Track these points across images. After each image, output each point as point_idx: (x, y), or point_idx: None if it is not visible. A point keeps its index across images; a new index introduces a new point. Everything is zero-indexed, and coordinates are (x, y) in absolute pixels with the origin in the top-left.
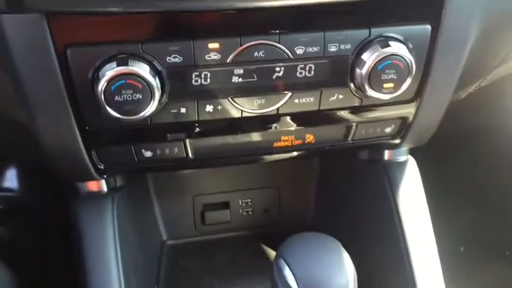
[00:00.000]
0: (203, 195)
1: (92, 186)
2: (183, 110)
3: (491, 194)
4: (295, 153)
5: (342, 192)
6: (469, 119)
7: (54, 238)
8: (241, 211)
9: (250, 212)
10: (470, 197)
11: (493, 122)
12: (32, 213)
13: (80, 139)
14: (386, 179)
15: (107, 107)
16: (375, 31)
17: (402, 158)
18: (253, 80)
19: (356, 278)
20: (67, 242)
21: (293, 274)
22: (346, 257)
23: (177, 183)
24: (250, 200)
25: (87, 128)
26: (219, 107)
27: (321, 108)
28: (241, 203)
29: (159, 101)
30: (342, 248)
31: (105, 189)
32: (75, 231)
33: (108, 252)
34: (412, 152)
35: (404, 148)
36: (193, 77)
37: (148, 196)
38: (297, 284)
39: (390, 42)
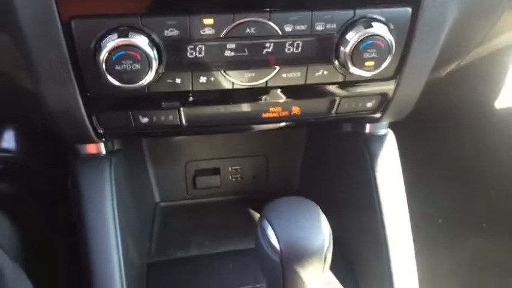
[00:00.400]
0: (195, 162)
1: (91, 148)
2: (178, 81)
3: (469, 169)
4: (282, 124)
5: (325, 162)
6: (449, 98)
7: (54, 200)
8: (230, 177)
9: (239, 179)
10: (448, 171)
11: (472, 100)
12: (32, 174)
13: (81, 105)
14: (367, 150)
15: (108, 76)
16: (359, 12)
17: (382, 132)
18: (245, 54)
19: (332, 238)
20: (66, 204)
21: (275, 233)
22: (324, 219)
23: (171, 149)
24: (239, 167)
25: (88, 94)
26: (212, 79)
27: (307, 82)
28: (231, 169)
29: (156, 71)
30: (321, 212)
31: (103, 152)
32: (75, 190)
33: (106, 211)
34: (395, 127)
35: (385, 122)
36: (189, 50)
37: (143, 161)
38: (278, 242)
39: (373, 23)
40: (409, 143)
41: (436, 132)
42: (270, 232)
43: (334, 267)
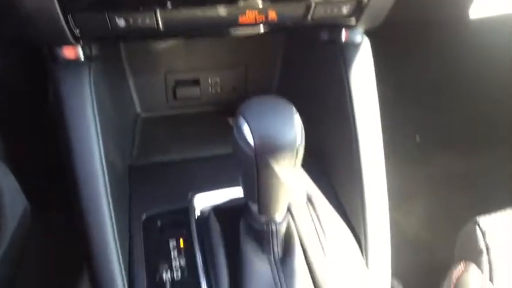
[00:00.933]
0: (175, 72)
1: (69, 53)
2: None
3: (447, 83)
4: (260, 29)
5: (303, 72)
6: (426, 10)
7: (37, 114)
8: (210, 89)
9: (219, 90)
10: (426, 86)
11: (448, 12)
12: (13, 92)
13: (56, 4)
14: (342, 58)
15: None
16: None
17: (358, 39)
18: None
19: (304, 135)
20: (46, 112)
21: (250, 129)
22: (297, 117)
23: (150, 60)
24: (219, 78)
25: None
26: None
27: None
28: (211, 81)
29: None
30: (294, 109)
31: (81, 57)
32: (55, 97)
33: (86, 114)
34: (374, 48)
35: (360, 29)
36: None
37: (123, 72)
38: (253, 137)
39: None
40: (388, 61)
41: (414, 47)
42: (245, 127)
43: (307, 167)
